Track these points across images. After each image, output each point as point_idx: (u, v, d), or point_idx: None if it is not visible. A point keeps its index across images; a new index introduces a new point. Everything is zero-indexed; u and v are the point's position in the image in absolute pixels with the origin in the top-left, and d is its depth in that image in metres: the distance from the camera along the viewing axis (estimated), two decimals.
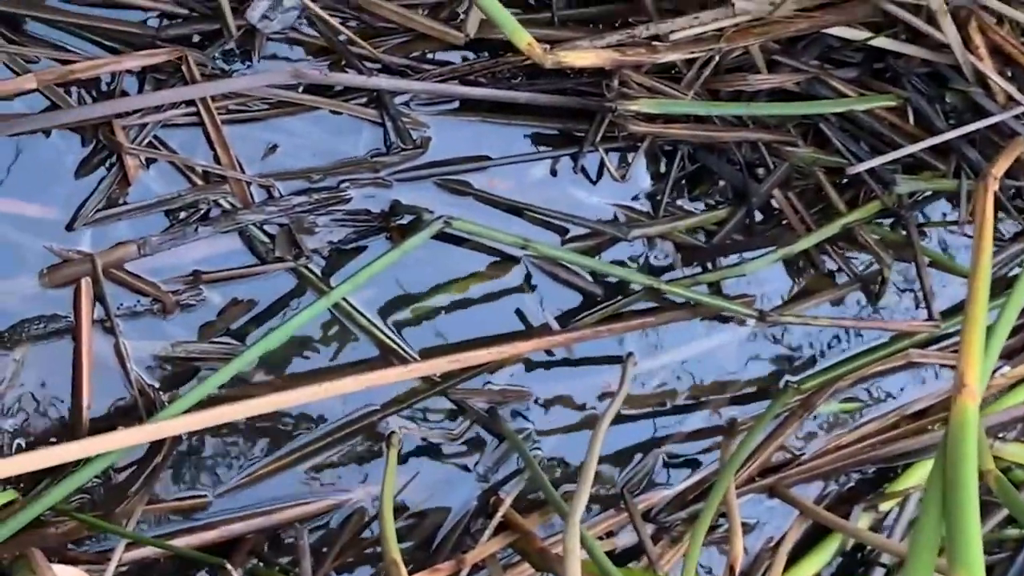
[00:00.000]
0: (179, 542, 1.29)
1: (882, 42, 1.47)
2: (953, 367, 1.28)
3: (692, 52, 1.40)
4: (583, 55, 1.34)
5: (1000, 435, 1.59)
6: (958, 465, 0.89)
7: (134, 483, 1.30)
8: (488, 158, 1.44)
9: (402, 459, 1.41)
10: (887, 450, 1.56)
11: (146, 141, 1.30)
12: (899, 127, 1.52)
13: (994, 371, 1.61)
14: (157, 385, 1.31)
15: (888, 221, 1.59)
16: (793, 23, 1.42)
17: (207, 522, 1.33)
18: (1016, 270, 1.61)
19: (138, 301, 1.31)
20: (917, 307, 1.61)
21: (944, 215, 1.64)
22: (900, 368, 1.59)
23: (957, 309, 1.59)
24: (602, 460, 1.48)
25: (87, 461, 1.21)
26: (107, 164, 1.30)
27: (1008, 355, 1.64)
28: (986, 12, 1.43)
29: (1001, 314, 1.18)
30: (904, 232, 1.55)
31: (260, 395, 1.28)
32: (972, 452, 0.90)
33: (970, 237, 1.54)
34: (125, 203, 1.30)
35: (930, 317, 1.52)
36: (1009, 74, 1.51)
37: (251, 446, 1.37)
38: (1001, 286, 1.52)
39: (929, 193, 1.60)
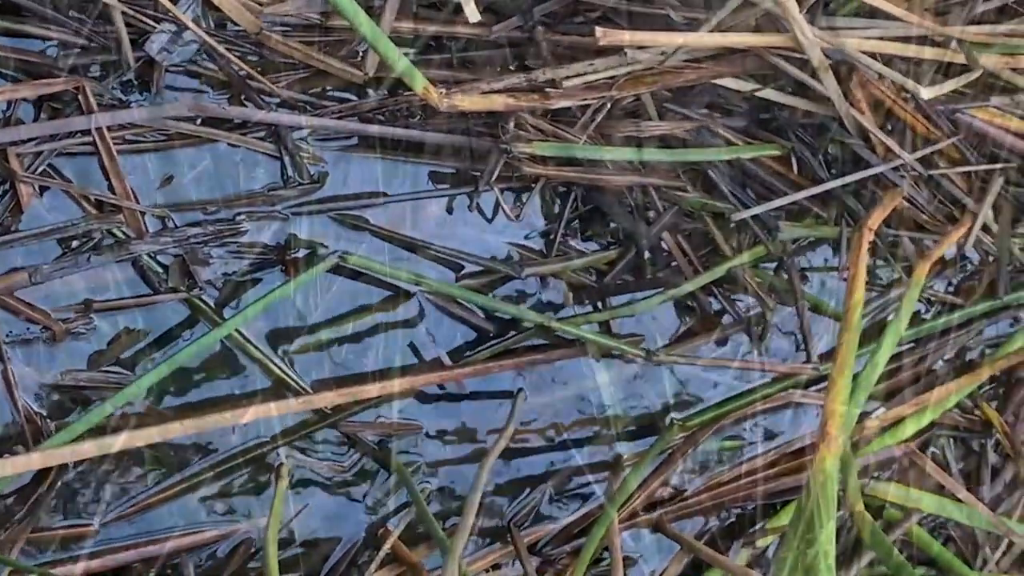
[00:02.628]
0: (64, 571, 1.29)
1: (768, 94, 1.52)
2: None
3: (585, 99, 1.43)
4: (477, 100, 1.36)
5: (876, 475, 1.64)
6: (816, 512, 0.94)
7: (19, 511, 1.29)
8: (385, 194, 1.46)
9: (293, 489, 1.42)
10: (767, 487, 1.61)
11: (40, 169, 1.30)
12: (783, 175, 1.57)
13: (871, 412, 1.67)
14: (45, 413, 1.31)
15: (772, 265, 1.63)
16: (683, 73, 1.47)
17: (93, 551, 1.33)
18: (893, 316, 1.67)
19: (28, 329, 1.31)
20: (798, 349, 1.66)
21: (826, 260, 1.69)
22: (781, 408, 1.64)
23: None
24: (492, 493, 1.52)
25: None
26: (0, 191, 1.30)
27: (886, 396, 1.70)
28: (867, 68, 1.49)
29: (869, 363, 1.23)
30: (787, 276, 1.60)
31: (149, 425, 1.29)
32: (831, 499, 0.95)
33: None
34: (17, 231, 1.30)
35: (808, 360, 1.58)
36: (889, 127, 1.57)
37: (140, 475, 1.37)
38: (878, 330, 1.58)
39: (812, 239, 1.65)
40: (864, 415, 1.62)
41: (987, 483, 1.76)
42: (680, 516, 1.57)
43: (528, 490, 1.54)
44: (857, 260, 1.28)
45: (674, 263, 1.58)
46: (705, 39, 1.43)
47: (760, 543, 1.59)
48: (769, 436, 1.66)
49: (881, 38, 1.48)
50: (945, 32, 1.48)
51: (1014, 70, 1.55)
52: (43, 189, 1.31)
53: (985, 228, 1.63)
